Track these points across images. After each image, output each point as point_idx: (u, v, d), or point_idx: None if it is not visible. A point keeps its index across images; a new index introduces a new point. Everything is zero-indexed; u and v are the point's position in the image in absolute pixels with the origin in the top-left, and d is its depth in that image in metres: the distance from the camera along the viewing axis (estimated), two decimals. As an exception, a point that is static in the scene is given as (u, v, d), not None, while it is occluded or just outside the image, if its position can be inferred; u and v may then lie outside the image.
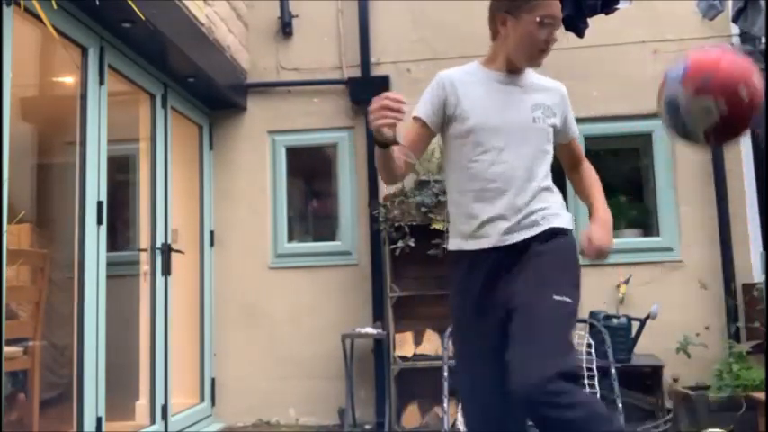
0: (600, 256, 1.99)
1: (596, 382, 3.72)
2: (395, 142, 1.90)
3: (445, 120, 2.08)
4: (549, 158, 2.09)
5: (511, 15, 2.02)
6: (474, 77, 2.08)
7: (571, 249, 2.03)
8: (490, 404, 2.03)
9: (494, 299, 1.98)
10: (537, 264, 1.94)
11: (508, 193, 2.00)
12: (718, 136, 1.80)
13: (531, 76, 2.13)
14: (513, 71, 2.09)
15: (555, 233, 2.00)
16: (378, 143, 1.89)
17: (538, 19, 1.98)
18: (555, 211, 2.04)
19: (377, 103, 1.82)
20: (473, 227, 2.03)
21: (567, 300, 1.88)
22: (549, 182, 2.09)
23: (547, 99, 2.10)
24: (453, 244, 2.12)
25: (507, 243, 1.99)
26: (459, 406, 3.88)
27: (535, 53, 2.03)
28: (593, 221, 2.07)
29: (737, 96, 1.68)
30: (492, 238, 2.00)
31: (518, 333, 1.83)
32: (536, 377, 1.69)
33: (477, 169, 2.02)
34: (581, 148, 2.32)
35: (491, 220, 2.00)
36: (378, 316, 4.89)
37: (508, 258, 1.98)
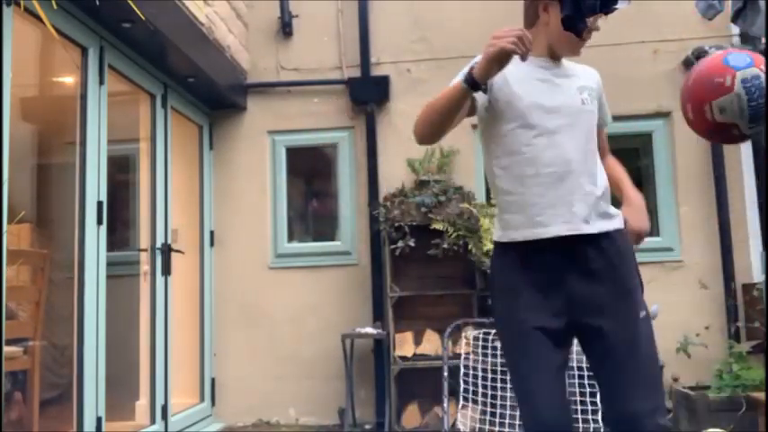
0: (639, 240, 1.98)
1: (596, 382, 3.72)
2: (485, 88, 1.78)
3: (490, 100, 1.95)
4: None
5: (554, 1, 1.96)
6: (515, 61, 1.87)
7: (632, 250, 2.00)
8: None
9: (557, 297, 1.90)
10: (617, 278, 1.91)
11: (568, 177, 1.91)
12: None
13: (568, 62, 2.09)
14: (553, 58, 2.04)
15: (618, 235, 1.96)
16: (478, 76, 1.73)
17: None
18: (610, 205, 1.99)
19: (511, 31, 1.69)
20: (530, 215, 1.91)
21: (646, 313, 1.92)
22: (600, 164, 2.05)
23: (589, 82, 2.08)
24: (504, 235, 1.99)
25: (574, 233, 1.89)
26: (460, 406, 3.88)
27: (576, 41, 1.99)
28: (628, 205, 2.04)
29: None
30: (554, 226, 1.89)
31: (608, 360, 1.87)
32: (636, 411, 1.80)
33: (531, 153, 1.92)
34: (606, 140, 2.25)
35: (551, 206, 1.90)
36: (378, 316, 4.89)
37: (575, 252, 1.90)
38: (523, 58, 1.75)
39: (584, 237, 1.90)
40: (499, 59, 1.72)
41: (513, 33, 1.69)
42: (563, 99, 1.98)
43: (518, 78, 1.95)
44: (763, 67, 1.80)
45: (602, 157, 2.16)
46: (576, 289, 1.90)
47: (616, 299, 1.91)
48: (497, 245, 2.05)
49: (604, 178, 2.02)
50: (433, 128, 1.91)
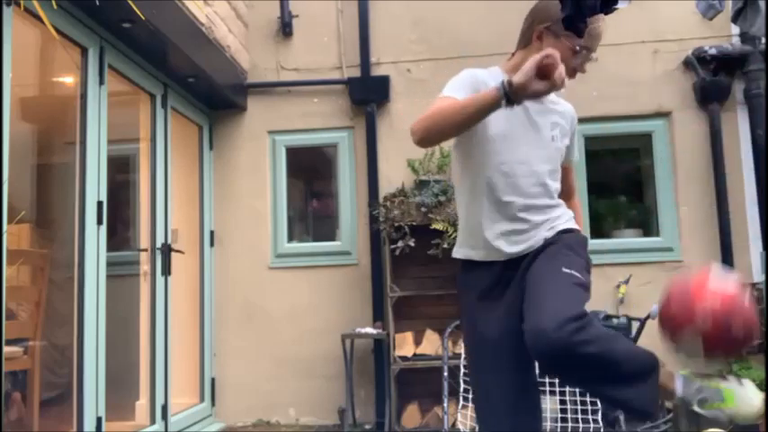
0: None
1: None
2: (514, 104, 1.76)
3: None
4: (560, 178, 2.10)
5: (550, 33, 1.97)
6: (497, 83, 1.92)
7: (581, 240, 2.03)
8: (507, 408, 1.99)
9: (507, 299, 1.98)
10: (547, 250, 1.95)
11: (523, 207, 1.98)
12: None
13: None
14: None
15: (563, 231, 2.01)
16: (523, 91, 1.69)
17: (577, 47, 1.96)
18: (564, 220, 2.05)
19: (560, 71, 1.68)
20: (485, 239, 2.01)
21: (578, 275, 1.85)
22: (560, 200, 2.09)
23: (562, 119, 2.09)
24: (461, 252, 2.13)
25: (519, 255, 1.98)
26: (460, 406, 3.88)
27: (568, 72, 1.94)
28: None
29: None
30: (504, 251, 1.99)
31: (529, 295, 1.82)
32: (550, 323, 1.65)
33: (494, 180, 1.97)
34: (575, 176, 2.30)
35: (504, 235, 1.99)
36: (378, 316, 4.89)
37: (519, 265, 1.98)
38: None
39: (527, 254, 1.99)
40: (542, 92, 1.71)
41: (557, 63, 1.68)
42: (534, 131, 2.01)
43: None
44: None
45: (569, 197, 2.21)
46: (519, 288, 1.93)
47: (545, 262, 1.92)
48: (456, 260, 2.18)
49: (561, 209, 2.06)
50: (442, 136, 1.92)
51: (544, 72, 1.68)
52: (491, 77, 1.99)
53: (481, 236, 2.01)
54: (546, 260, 1.91)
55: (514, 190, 1.97)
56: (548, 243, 1.97)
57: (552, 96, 2.06)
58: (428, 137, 1.89)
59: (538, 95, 1.73)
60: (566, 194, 2.17)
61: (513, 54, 2.13)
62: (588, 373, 1.70)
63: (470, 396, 3.83)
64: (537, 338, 1.68)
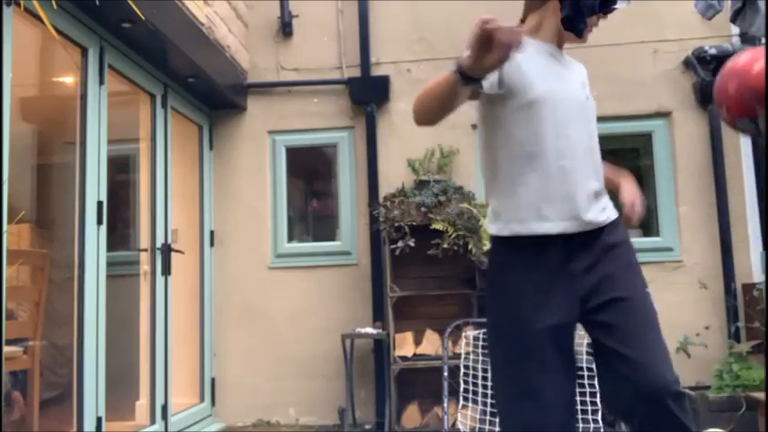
0: (633, 212, 1.95)
1: (596, 382, 3.72)
2: (479, 83, 1.67)
3: (500, 86, 1.81)
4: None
5: None
6: (528, 47, 1.80)
7: (629, 238, 1.98)
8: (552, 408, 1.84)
9: (564, 293, 1.82)
10: (619, 255, 1.86)
11: (576, 171, 1.85)
12: None
13: (564, 53, 2.01)
14: (559, 44, 1.98)
15: (616, 224, 1.93)
16: (477, 67, 1.62)
17: None
18: (608, 198, 1.96)
19: (508, 30, 1.57)
20: (537, 209, 1.82)
21: (649, 292, 1.87)
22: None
23: (585, 78, 2.04)
24: (507, 229, 1.86)
25: (580, 229, 1.84)
26: (460, 406, 3.88)
27: (588, 28, 1.95)
28: (622, 182, 2.03)
29: None
30: (561, 222, 1.82)
31: (629, 328, 1.78)
32: (666, 377, 1.73)
33: (541, 146, 1.83)
34: None
35: (557, 201, 1.82)
36: (378, 316, 4.89)
37: (580, 246, 1.84)
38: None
39: (585, 232, 1.85)
40: (497, 58, 1.59)
41: (507, 31, 1.58)
42: (571, 91, 1.93)
43: (531, 66, 1.85)
44: None
45: None
46: (581, 283, 1.82)
47: (623, 271, 1.86)
48: (497, 239, 1.92)
49: (603, 173, 1.98)
50: (432, 115, 1.82)
51: (489, 40, 1.58)
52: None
53: (539, 204, 1.82)
54: (632, 278, 1.86)
55: (571, 153, 1.85)
56: (616, 243, 1.88)
57: (566, 56, 2.01)
58: (419, 116, 1.83)
59: (496, 65, 1.62)
60: None
61: (522, 19, 2.04)
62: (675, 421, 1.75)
63: (470, 396, 3.84)
64: (663, 388, 1.72)
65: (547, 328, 1.80)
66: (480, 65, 1.61)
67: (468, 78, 1.65)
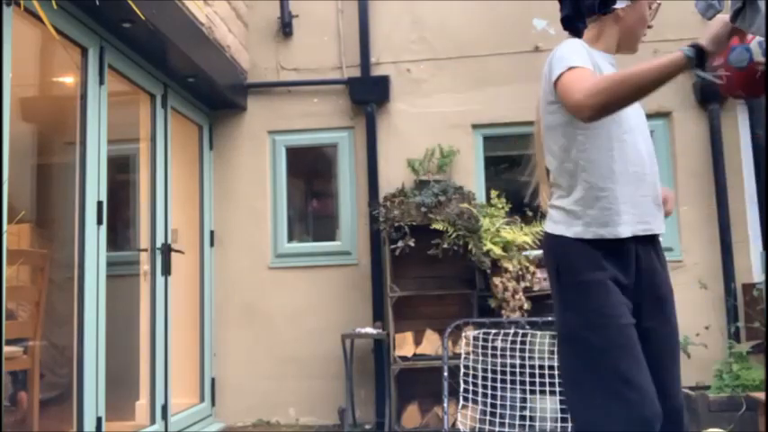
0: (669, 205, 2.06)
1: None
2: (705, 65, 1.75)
3: None
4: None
5: None
6: (595, 56, 1.95)
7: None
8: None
9: (637, 291, 1.93)
10: (666, 279, 2.01)
11: (646, 177, 1.93)
12: None
13: None
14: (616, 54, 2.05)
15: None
16: (700, 54, 1.71)
17: (657, 3, 1.98)
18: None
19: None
20: (616, 212, 1.89)
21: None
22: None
23: None
24: (589, 232, 1.90)
25: (647, 233, 1.93)
26: (460, 406, 3.88)
27: (639, 39, 2.03)
28: None
29: None
30: (631, 225, 1.90)
31: (668, 354, 1.96)
32: (680, 401, 1.93)
33: (620, 150, 1.90)
34: None
35: (633, 206, 1.90)
36: (378, 316, 4.89)
37: (645, 250, 1.94)
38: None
39: (650, 237, 1.96)
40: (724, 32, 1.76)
41: None
42: None
43: (605, 72, 1.91)
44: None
45: None
46: (641, 287, 1.94)
47: (665, 301, 2.00)
48: (570, 241, 1.94)
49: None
50: (620, 107, 1.79)
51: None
52: (586, 49, 1.95)
53: (617, 208, 1.89)
54: (670, 308, 2.02)
55: (641, 161, 1.93)
56: (664, 261, 2.02)
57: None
58: (607, 109, 1.77)
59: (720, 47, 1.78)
60: None
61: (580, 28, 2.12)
62: None
63: (470, 396, 3.84)
64: (677, 412, 1.92)
65: (631, 324, 1.90)
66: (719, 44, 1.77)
67: (701, 61, 1.72)
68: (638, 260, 1.93)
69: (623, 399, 1.81)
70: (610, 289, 1.87)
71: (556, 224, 1.98)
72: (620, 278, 1.89)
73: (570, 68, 1.82)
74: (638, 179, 1.92)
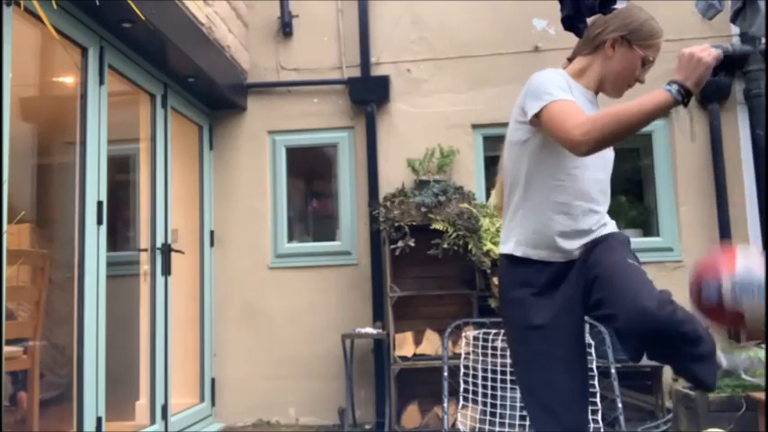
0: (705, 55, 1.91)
1: (596, 382, 3.72)
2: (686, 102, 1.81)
3: None
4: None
5: (625, 42, 2.00)
6: (575, 88, 2.02)
7: (626, 239, 2.06)
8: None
9: (563, 292, 1.98)
10: (603, 245, 1.98)
11: (587, 212, 1.99)
12: None
13: None
14: (596, 93, 2.09)
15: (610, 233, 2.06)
16: (685, 94, 1.78)
17: (651, 58, 2.02)
18: (613, 224, 2.09)
19: (702, 47, 1.79)
20: (547, 239, 1.99)
21: (641, 267, 1.93)
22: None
23: None
24: (520, 250, 2.03)
25: (574, 257, 1.99)
26: (460, 406, 3.88)
27: (624, 87, 2.06)
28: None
29: None
30: (563, 253, 1.99)
31: (613, 283, 1.86)
32: (652, 303, 1.75)
33: (567, 183, 1.97)
34: None
35: (568, 236, 1.98)
36: (378, 316, 4.89)
37: (571, 266, 2.01)
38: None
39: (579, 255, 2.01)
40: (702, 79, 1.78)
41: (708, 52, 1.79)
42: None
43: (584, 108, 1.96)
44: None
45: None
46: (577, 277, 1.96)
47: (605, 254, 1.95)
48: (509, 256, 2.06)
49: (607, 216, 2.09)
50: (613, 142, 1.89)
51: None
52: (569, 83, 2.00)
53: (547, 237, 1.99)
54: (610, 252, 1.94)
55: (582, 195, 1.99)
56: (598, 240, 2.00)
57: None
58: (601, 145, 1.85)
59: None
60: None
61: (569, 59, 2.14)
62: (681, 349, 1.79)
63: (470, 396, 3.84)
64: (643, 317, 1.73)
65: (555, 328, 1.99)
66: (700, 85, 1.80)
67: (685, 99, 1.79)
68: (568, 272, 1.99)
69: (537, 411, 1.97)
70: (529, 302, 1.99)
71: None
72: (550, 285, 1.98)
73: (554, 101, 1.86)
74: (577, 213, 1.98)
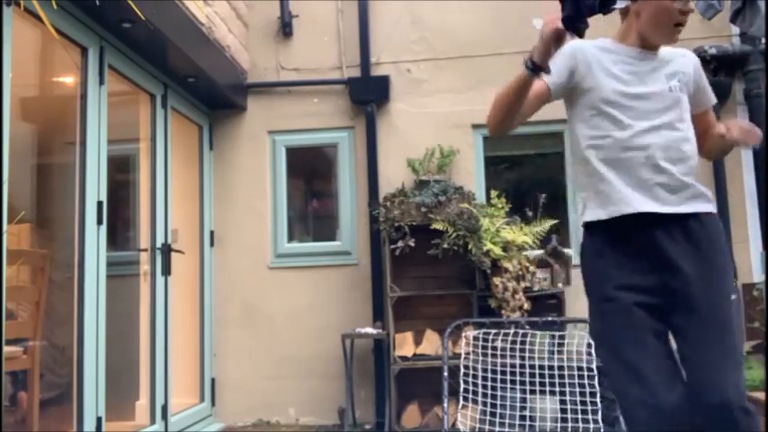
0: (749, 136, 2.03)
1: (596, 382, 3.72)
2: (546, 69, 1.87)
3: (573, 88, 2.05)
4: (689, 127, 2.06)
5: None
6: (607, 50, 2.06)
7: (724, 239, 2.03)
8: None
9: (648, 274, 1.93)
10: (705, 256, 1.93)
11: (654, 162, 1.96)
12: None
13: (664, 49, 2.10)
14: (646, 47, 2.06)
15: (709, 216, 2.02)
16: (534, 64, 1.85)
17: None
18: (704, 190, 2.04)
19: (553, 19, 1.80)
20: (614, 196, 1.96)
21: (734, 296, 1.95)
22: (694, 151, 2.06)
23: (682, 67, 2.08)
24: (592, 214, 2.03)
25: (661, 211, 1.94)
26: (460, 406, 3.88)
27: (670, 28, 2.01)
28: (729, 125, 2.11)
29: None
30: (639, 204, 1.94)
31: (706, 337, 1.86)
32: (735, 396, 1.78)
33: (615, 140, 1.98)
34: (714, 117, 2.25)
35: (638, 187, 1.95)
36: (378, 316, 4.89)
37: (663, 230, 1.94)
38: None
39: (671, 216, 1.94)
40: (556, 40, 1.80)
41: (553, 19, 1.79)
42: (648, 87, 2.01)
43: (604, 68, 2.02)
44: None
45: (709, 132, 2.18)
46: (667, 266, 1.92)
47: (705, 277, 1.91)
48: (588, 225, 2.06)
49: (693, 164, 2.04)
50: (502, 115, 2.01)
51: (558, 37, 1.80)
52: (601, 47, 2.07)
53: (621, 188, 1.96)
54: (716, 292, 1.90)
55: (640, 147, 1.97)
56: (699, 240, 1.95)
57: (665, 51, 2.08)
58: (493, 121, 2.03)
59: (553, 51, 1.84)
60: (706, 134, 2.18)
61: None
62: None
63: (470, 396, 3.84)
64: (721, 411, 1.77)
65: (638, 304, 1.96)
66: (546, 54, 1.84)
67: (535, 69, 1.87)
68: (661, 238, 1.93)
69: (625, 381, 1.88)
70: (614, 273, 1.95)
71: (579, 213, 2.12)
72: (637, 257, 1.93)
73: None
74: (640, 166, 1.96)
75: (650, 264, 1.93)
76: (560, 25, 1.76)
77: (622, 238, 1.97)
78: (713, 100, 2.21)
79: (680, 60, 2.10)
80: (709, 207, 2.04)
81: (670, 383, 1.84)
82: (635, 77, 2.02)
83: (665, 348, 1.92)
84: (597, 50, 2.05)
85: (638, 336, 1.89)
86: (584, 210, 2.07)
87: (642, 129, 1.97)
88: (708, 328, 1.87)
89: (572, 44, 2.02)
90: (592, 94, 2.02)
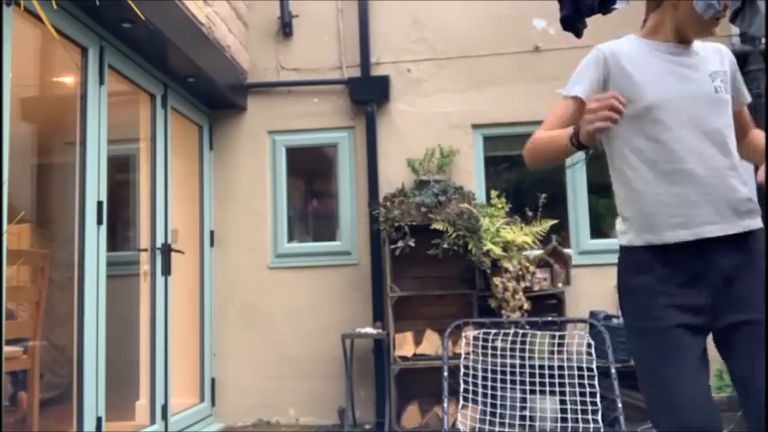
0: None
1: (596, 382, 3.72)
2: (590, 148, 1.77)
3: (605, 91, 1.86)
4: (733, 131, 1.88)
5: None
6: (638, 51, 1.89)
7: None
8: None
9: (695, 300, 1.83)
10: (756, 273, 1.80)
11: (702, 174, 1.78)
12: None
13: (697, 43, 1.93)
14: (682, 42, 1.91)
15: (761, 231, 1.84)
16: (578, 144, 1.72)
17: None
18: (756, 201, 1.84)
19: (602, 101, 1.63)
20: (661, 216, 1.80)
21: None
22: (738, 157, 1.88)
23: (721, 65, 1.93)
24: (629, 239, 1.87)
25: (711, 235, 1.77)
26: (460, 406, 3.88)
27: (712, 20, 1.86)
28: None
29: None
30: (689, 228, 1.77)
31: (755, 354, 1.85)
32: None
33: (661, 150, 1.80)
34: (749, 115, 2.09)
35: (687, 206, 1.78)
36: (378, 316, 4.89)
37: (714, 251, 1.78)
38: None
39: (723, 237, 1.78)
40: (593, 136, 1.68)
41: (606, 104, 1.62)
42: (693, 88, 1.86)
43: (642, 71, 1.86)
44: None
45: (746, 134, 2.03)
46: (716, 287, 1.81)
47: (755, 293, 1.82)
48: (627, 251, 1.90)
49: (743, 171, 1.87)
50: (540, 165, 1.97)
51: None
52: (630, 48, 1.93)
53: (664, 214, 1.80)
54: (760, 301, 1.80)
55: (692, 156, 1.79)
56: (754, 257, 1.81)
57: (699, 46, 1.94)
58: (531, 164, 1.98)
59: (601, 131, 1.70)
60: (744, 135, 2.01)
61: (644, 20, 2.05)
62: None
63: (470, 396, 3.84)
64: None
65: (680, 326, 1.96)
66: (591, 141, 1.71)
67: (580, 147, 1.76)
68: (709, 260, 1.79)
69: (661, 402, 1.86)
70: (658, 294, 1.82)
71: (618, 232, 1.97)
72: (669, 284, 1.80)
73: (563, 99, 1.89)
74: (690, 177, 1.78)
75: (702, 281, 1.81)
76: (602, 125, 1.62)
77: (671, 256, 1.81)
78: (748, 98, 2.07)
79: (717, 57, 1.94)
80: (760, 221, 1.85)
81: (706, 418, 1.82)
82: (678, 77, 1.86)
83: (705, 376, 1.91)
84: (630, 52, 1.91)
85: (681, 361, 1.87)
86: (627, 230, 1.89)
87: (692, 136, 1.80)
88: (756, 341, 1.85)
89: (601, 49, 1.91)
90: (636, 100, 1.82)
